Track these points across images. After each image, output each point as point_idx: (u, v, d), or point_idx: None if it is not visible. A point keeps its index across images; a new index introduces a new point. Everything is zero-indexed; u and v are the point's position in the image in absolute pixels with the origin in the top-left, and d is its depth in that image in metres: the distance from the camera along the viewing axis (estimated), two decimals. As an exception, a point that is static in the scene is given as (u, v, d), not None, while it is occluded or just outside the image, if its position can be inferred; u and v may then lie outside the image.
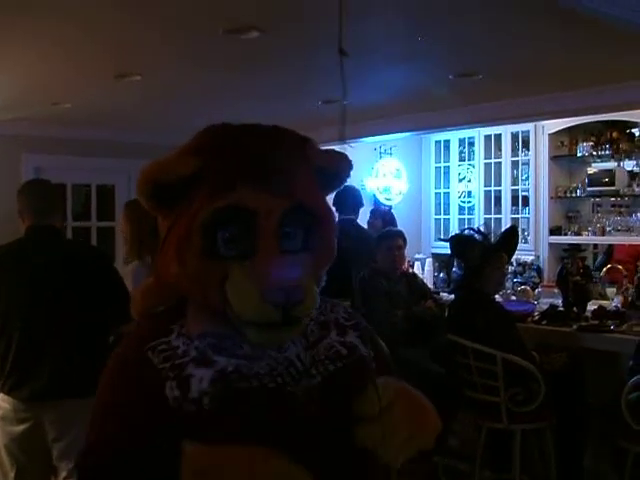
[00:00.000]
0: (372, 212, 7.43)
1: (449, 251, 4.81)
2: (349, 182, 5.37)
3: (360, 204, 6.33)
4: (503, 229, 7.07)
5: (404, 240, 5.50)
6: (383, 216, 7.39)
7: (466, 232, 4.73)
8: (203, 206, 1.29)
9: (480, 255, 4.39)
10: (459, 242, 4.65)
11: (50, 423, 3.35)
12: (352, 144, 7.57)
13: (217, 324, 1.35)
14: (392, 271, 5.29)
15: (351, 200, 6.18)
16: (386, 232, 5.67)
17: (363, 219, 6.68)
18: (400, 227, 6.63)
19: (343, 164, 1.46)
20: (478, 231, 4.63)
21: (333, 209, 1.48)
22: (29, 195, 3.59)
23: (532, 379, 4.09)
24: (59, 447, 3.38)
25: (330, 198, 1.54)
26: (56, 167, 7.13)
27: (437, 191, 9.73)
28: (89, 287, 3.41)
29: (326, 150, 1.46)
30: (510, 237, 4.66)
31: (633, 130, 7.74)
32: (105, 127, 7.30)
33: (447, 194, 9.62)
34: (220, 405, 1.29)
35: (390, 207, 8.88)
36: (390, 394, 1.33)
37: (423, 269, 8.37)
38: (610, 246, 8.11)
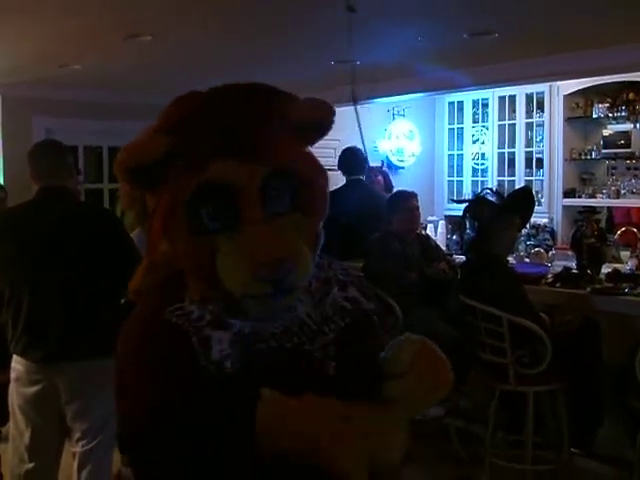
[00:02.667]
0: (368, 171, 7.36)
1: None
2: (352, 144, 5.30)
3: (365, 163, 6.28)
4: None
5: (417, 201, 5.46)
6: (381, 172, 7.35)
7: (482, 193, 4.68)
8: (181, 184, 1.28)
9: (489, 215, 4.34)
10: (471, 202, 4.61)
11: (62, 385, 3.37)
12: (365, 106, 7.53)
13: (217, 293, 1.33)
14: (407, 233, 5.25)
15: (357, 161, 6.13)
16: (401, 193, 5.59)
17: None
18: (413, 189, 6.60)
19: (323, 112, 1.40)
20: (494, 192, 4.58)
21: (323, 165, 1.44)
22: (38, 156, 3.56)
23: (539, 341, 4.07)
24: (72, 409, 3.40)
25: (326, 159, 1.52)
26: (67, 129, 7.11)
27: (450, 153, 9.67)
28: (99, 249, 3.39)
29: (303, 100, 1.40)
30: (523, 199, 4.60)
31: (649, 91, 7.65)
32: (116, 89, 7.27)
33: (460, 156, 9.55)
34: (241, 367, 1.29)
35: (382, 163, 8.81)
36: (413, 349, 1.37)
37: (436, 231, 8.34)
38: (610, 212, 8.08)
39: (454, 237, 8.10)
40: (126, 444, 1.40)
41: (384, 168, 8.23)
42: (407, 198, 5.34)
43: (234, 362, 1.29)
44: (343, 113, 8.41)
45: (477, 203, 4.51)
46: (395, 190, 6.23)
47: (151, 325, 1.36)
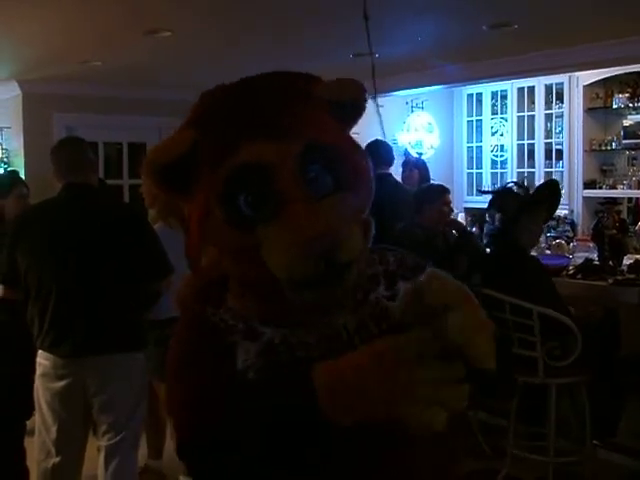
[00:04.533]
0: (404, 164, 7.28)
1: (486, 205, 4.74)
2: (379, 136, 5.23)
3: (393, 158, 6.25)
4: (538, 183, 7.00)
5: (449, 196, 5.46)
6: (417, 166, 7.29)
7: (508, 185, 4.66)
8: (213, 177, 1.21)
9: (516, 206, 4.31)
10: (497, 193, 4.58)
11: (89, 378, 3.40)
12: (383, 99, 7.53)
13: (260, 299, 1.29)
14: (435, 226, 5.19)
15: (383, 154, 6.10)
16: (434, 187, 5.51)
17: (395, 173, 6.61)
18: (432, 181, 6.59)
19: (352, 89, 1.32)
20: (519, 184, 4.56)
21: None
22: (61, 153, 3.59)
23: (569, 333, 4.05)
24: (99, 401, 3.44)
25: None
26: (87, 125, 7.16)
27: (469, 145, 9.64)
28: (122, 245, 3.42)
29: (331, 80, 1.33)
30: (551, 192, 4.56)
31: (670, 81, 7.59)
32: (136, 84, 7.30)
33: (479, 148, 9.52)
34: (263, 377, 1.23)
35: (420, 154, 8.80)
36: (446, 282, 1.17)
37: (456, 224, 8.30)
38: (636, 203, 8.03)
39: (474, 229, 8.08)
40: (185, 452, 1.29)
41: (421, 159, 8.10)
42: (440, 193, 5.24)
43: (257, 372, 1.24)
44: (362, 107, 8.28)
45: (505, 195, 4.48)
46: (429, 183, 6.18)
47: (192, 328, 1.33)
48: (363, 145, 1.38)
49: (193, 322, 1.33)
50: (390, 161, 6.16)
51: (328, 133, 1.26)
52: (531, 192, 4.52)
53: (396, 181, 6.26)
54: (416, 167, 7.22)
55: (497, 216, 4.46)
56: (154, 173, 1.25)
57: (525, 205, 4.31)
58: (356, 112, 1.33)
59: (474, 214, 8.47)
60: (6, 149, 7.38)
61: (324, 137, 1.25)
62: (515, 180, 5.16)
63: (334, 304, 1.29)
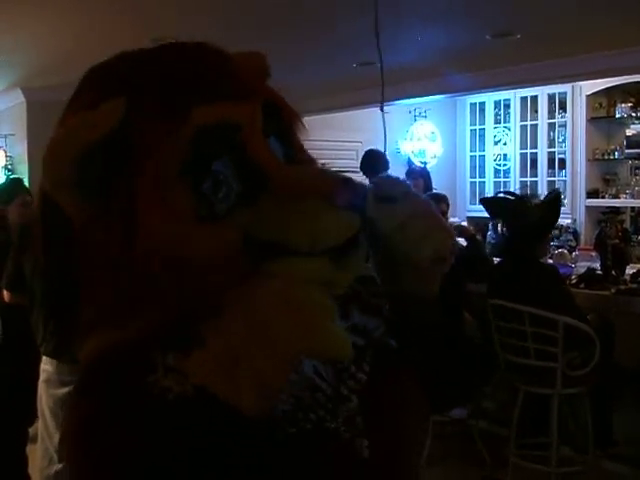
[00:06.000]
0: (409, 173, 7.31)
1: (487, 214, 4.71)
2: (374, 146, 5.28)
3: (388, 167, 6.30)
4: (540, 192, 7.00)
5: (447, 204, 5.45)
6: (422, 175, 7.31)
7: (501, 195, 4.65)
8: (161, 154, 0.83)
9: (540, 218, 4.26)
10: (507, 205, 4.48)
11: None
12: (386, 108, 7.55)
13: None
14: None
15: (379, 163, 6.14)
16: (430, 197, 5.57)
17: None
18: (435, 190, 6.60)
19: (264, 59, 1.04)
20: (512, 194, 4.55)
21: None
22: None
23: (589, 342, 4.01)
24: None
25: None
26: (91, 133, 7.17)
27: (472, 154, 9.65)
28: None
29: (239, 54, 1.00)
30: (559, 201, 4.56)
31: (674, 90, 7.60)
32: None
33: (482, 157, 9.53)
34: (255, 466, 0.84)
35: (424, 163, 8.83)
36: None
37: (458, 233, 8.32)
38: (639, 213, 8.04)
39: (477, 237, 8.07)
40: None
41: (425, 168, 8.14)
42: (437, 202, 5.28)
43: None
44: (365, 115, 8.40)
45: (514, 206, 4.43)
46: (429, 192, 6.22)
47: (128, 410, 0.83)
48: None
49: (126, 399, 0.84)
50: (384, 171, 6.20)
51: (276, 94, 0.96)
52: (531, 201, 4.52)
53: None
54: (421, 176, 7.25)
55: (499, 225, 4.43)
56: (71, 162, 0.84)
57: (549, 218, 4.30)
58: None
59: (477, 223, 8.48)
60: (10, 156, 7.43)
61: (274, 96, 0.95)
62: (508, 190, 5.16)
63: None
